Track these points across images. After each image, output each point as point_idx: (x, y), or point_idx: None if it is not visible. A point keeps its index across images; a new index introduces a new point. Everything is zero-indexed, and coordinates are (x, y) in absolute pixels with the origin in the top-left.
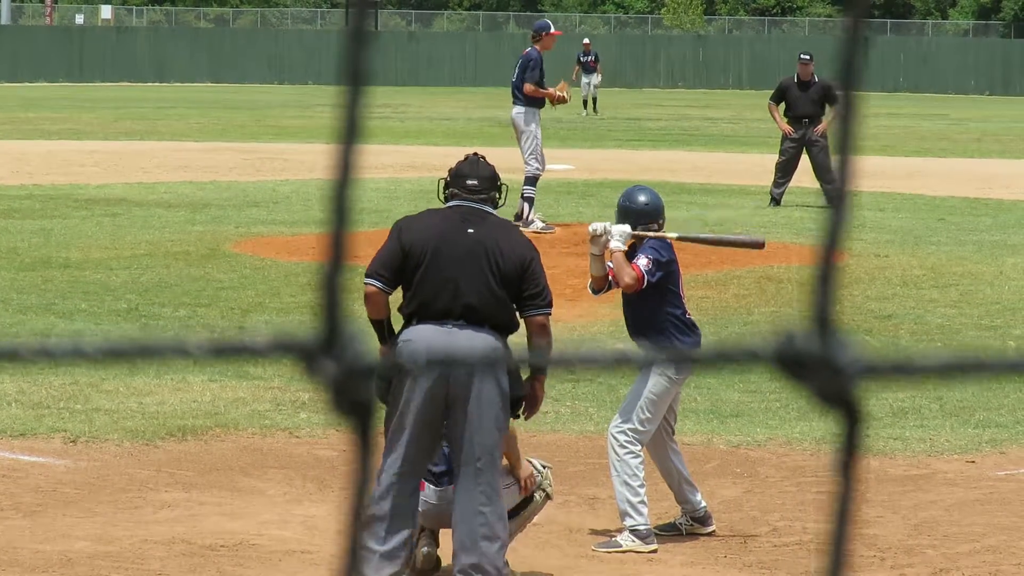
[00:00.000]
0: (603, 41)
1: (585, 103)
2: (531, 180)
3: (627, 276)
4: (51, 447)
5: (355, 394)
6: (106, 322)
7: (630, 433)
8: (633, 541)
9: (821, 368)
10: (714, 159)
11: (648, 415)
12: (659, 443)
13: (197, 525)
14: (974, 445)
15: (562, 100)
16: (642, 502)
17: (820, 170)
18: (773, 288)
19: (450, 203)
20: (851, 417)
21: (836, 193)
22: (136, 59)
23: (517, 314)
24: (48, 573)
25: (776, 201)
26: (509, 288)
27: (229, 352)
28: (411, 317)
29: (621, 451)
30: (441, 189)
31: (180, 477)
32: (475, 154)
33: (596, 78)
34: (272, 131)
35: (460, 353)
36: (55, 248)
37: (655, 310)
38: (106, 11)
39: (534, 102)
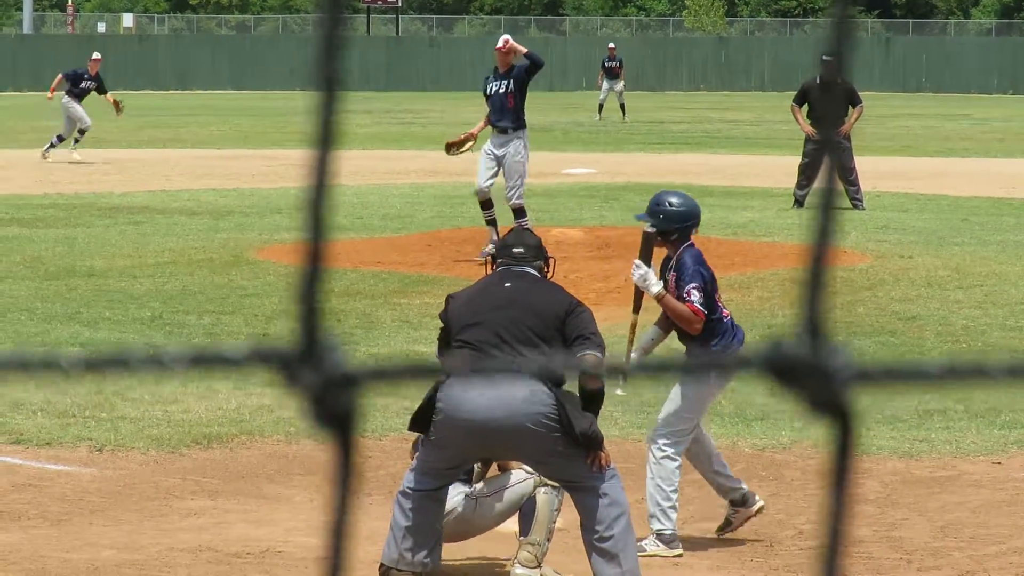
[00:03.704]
0: (624, 44)
1: (601, 108)
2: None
3: (689, 325)
4: (77, 456)
5: (334, 404)
6: (130, 330)
7: (670, 437)
8: (658, 546)
9: (812, 374)
10: (737, 161)
11: (688, 420)
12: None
13: (223, 533)
14: (1000, 446)
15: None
16: (672, 507)
17: (843, 171)
18: (797, 290)
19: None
20: (843, 424)
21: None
22: (158, 67)
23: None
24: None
25: (799, 203)
26: (550, 336)
27: (206, 363)
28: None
29: (659, 455)
30: (488, 266)
31: (206, 485)
32: (519, 226)
33: (620, 84)
34: (295, 138)
35: (497, 403)
36: (79, 257)
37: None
38: (128, 19)
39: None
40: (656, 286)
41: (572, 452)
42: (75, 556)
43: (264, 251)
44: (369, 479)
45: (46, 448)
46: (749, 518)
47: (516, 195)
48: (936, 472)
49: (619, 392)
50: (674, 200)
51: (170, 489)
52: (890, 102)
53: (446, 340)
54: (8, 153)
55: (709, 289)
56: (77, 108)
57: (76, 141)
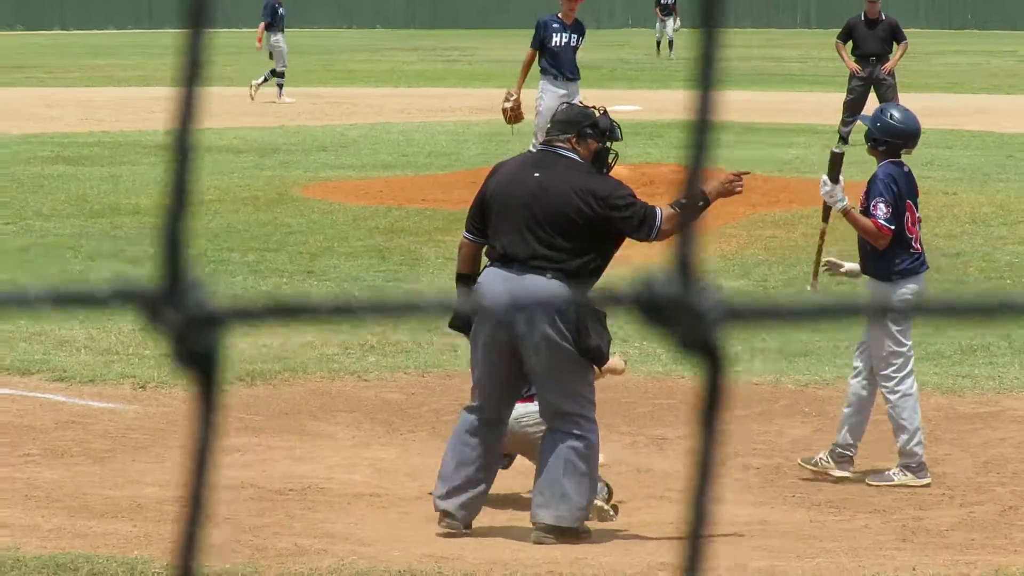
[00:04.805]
0: None
1: (658, 44)
2: None
3: (875, 240)
4: (120, 393)
5: (196, 344)
6: None
7: (894, 376)
8: (906, 475)
9: (682, 313)
10: (782, 99)
11: (899, 352)
12: (866, 365)
13: (266, 470)
14: None
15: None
16: (919, 442)
17: None
18: (842, 226)
19: (541, 146)
20: (713, 364)
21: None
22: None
23: (599, 258)
24: (118, 518)
25: (844, 139)
26: (587, 230)
27: (70, 302)
28: (489, 261)
29: (892, 397)
30: None
31: (249, 422)
32: (579, 103)
33: (675, 22)
34: (340, 75)
35: (516, 298)
36: (124, 195)
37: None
38: None
39: (543, 71)
40: (841, 202)
41: (573, 365)
42: (118, 493)
43: (309, 188)
44: (412, 416)
45: (89, 385)
46: (825, 473)
47: None
48: (979, 408)
49: (808, 289)
50: (895, 114)
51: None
52: (935, 39)
53: (479, 218)
54: (53, 91)
55: (900, 207)
56: (283, 45)
57: (265, 80)
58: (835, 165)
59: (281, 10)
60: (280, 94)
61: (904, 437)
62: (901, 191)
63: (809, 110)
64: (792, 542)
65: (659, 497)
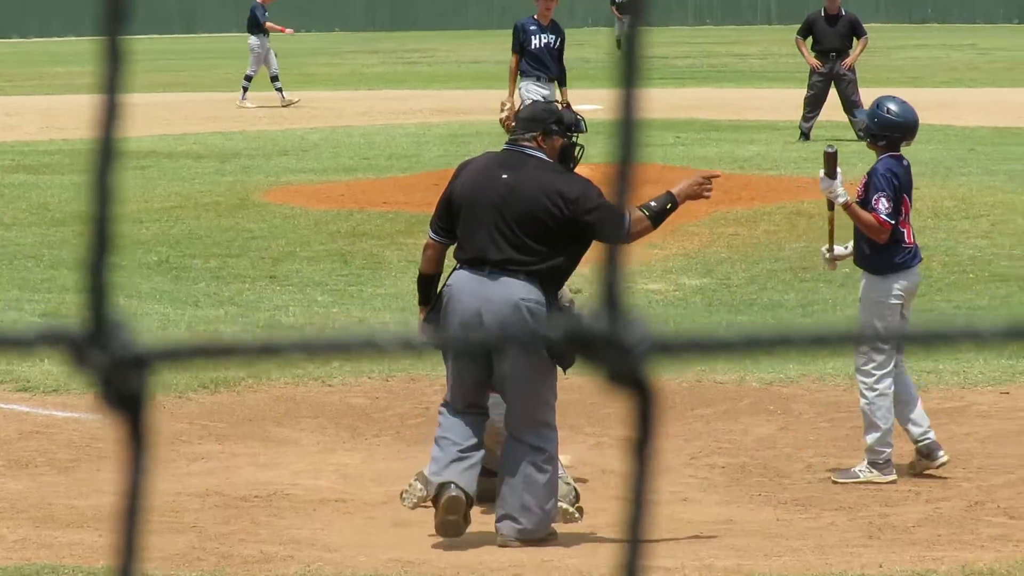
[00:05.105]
0: None
1: (619, 43)
2: None
3: (875, 234)
4: (84, 403)
5: (123, 385)
6: (137, 275)
7: (871, 371)
8: (871, 472)
9: (609, 347)
10: (743, 95)
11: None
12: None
13: (231, 477)
14: (1008, 376)
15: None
16: (887, 442)
17: (848, 104)
18: (804, 223)
19: (506, 145)
20: (643, 397)
21: (859, 126)
22: (166, 10)
23: (569, 260)
24: (83, 528)
25: (805, 135)
26: (556, 232)
27: None
28: (458, 263)
29: (869, 394)
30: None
31: (213, 429)
32: (542, 100)
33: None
34: (300, 79)
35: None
36: (85, 202)
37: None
38: None
39: (524, 73)
40: (842, 196)
41: (545, 372)
42: (83, 503)
43: (270, 193)
44: (376, 420)
45: (53, 395)
46: (928, 469)
47: None
48: (944, 403)
49: (824, 258)
50: (892, 107)
51: (178, 434)
52: (895, 33)
53: (446, 218)
54: (12, 100)
55: (899, 199)
56: (260, 49)
57: (279, 88)
58: (831, 162)
59: (267, 14)
60: (243, 97)
61: (875, 435)
62: (901, 185)
63: (770, 107)
64: (759, 541)
65: (623, 498)
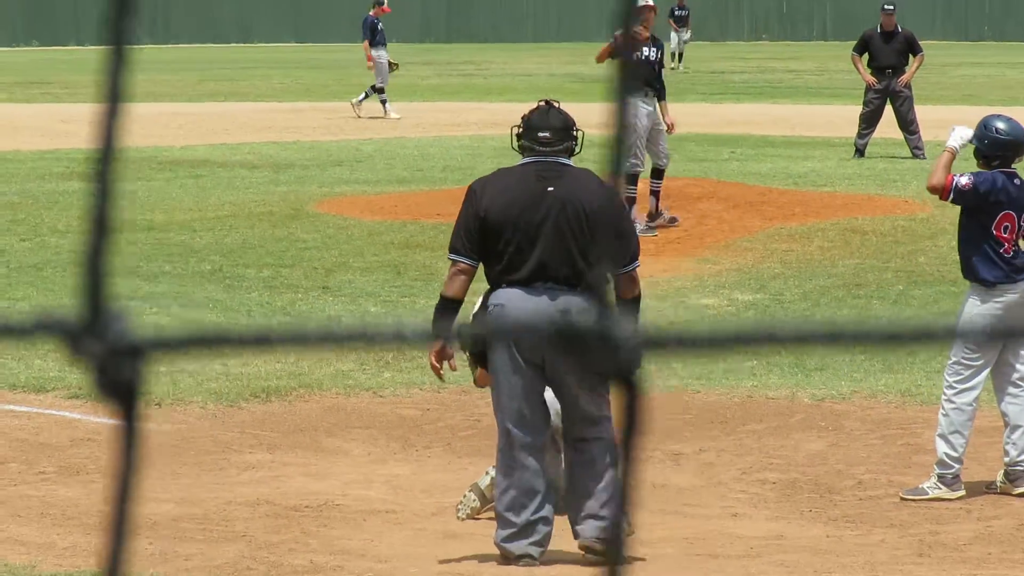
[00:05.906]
0: None
1: (673, 56)
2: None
3: (934, 177)
4: None
5: (118, 374)
6: (190, 284)
7: (953, 384)
8: (940, 488)
9: (598, 342)
10: (798, 111)
11: (963, 358)
12: (1000, 386)
13: (281, 486)
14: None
15: None
16: (958, 457)
17: (904, 121)
18: (858, 240)
19: (525, 159)
20: (630, 392)
21: (915, 143)
22: (221, 20)
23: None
24: (134, 536)
25: (860, 152)
26: (599, 242)
27: None
28: (499, 282)
29: (948, 406)
30: (513, 138)
31: (264, 438)
32: (546, 102)
33: (686, 33)
34: (355, 90)
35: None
36: (139, 211)
37: (965, 240)
38: None
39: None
40: (953, 142)
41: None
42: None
43: (324, 204)
44: (427, 432)
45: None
46: (1008, 493)
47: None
48: (995, 421)
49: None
50: (1000, 126)
51: (228, 443)
52: (951, 50)
53: (479, 240)
54: (69, 107)
55: (979, 202)
56: (384, 60)
57: (366, 96)
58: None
59: (380, 25)
60: (386, 110)
61: (947, 450)
62: (999, 198)
63: (825, 123)
64: (808, 557)
65: (675, 512)
